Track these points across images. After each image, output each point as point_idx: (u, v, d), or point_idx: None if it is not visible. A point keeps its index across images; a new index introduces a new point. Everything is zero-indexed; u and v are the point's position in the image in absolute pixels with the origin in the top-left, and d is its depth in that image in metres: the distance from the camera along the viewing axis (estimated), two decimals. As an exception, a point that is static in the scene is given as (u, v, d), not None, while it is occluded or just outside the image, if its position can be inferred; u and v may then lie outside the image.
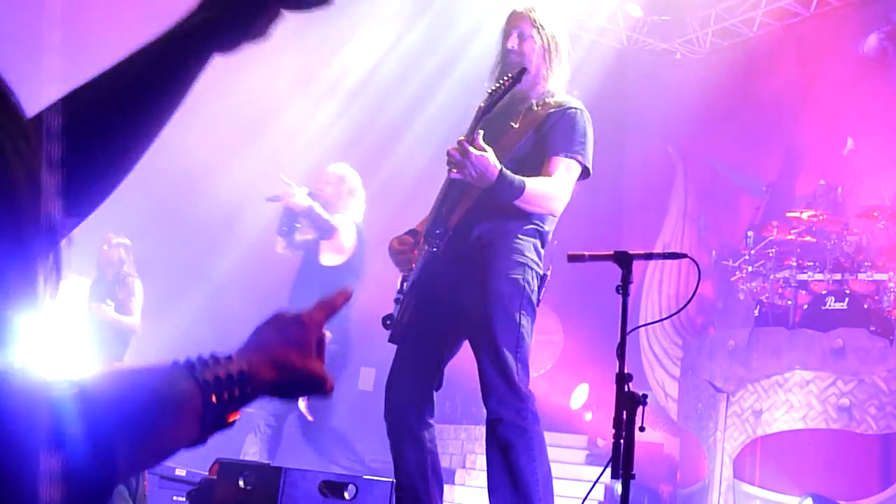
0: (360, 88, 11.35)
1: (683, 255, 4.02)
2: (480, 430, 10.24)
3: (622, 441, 3.68)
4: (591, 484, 3.98)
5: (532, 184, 4.38)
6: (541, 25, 4.67)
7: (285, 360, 1.44)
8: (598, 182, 12.88)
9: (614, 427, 3.71)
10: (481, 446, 10.03)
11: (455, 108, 8.75)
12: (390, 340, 4.60)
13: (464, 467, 10.27)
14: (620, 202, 13.38)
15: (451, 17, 11.44)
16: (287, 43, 10.18)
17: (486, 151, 4.24)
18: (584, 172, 4.65)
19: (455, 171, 4.29)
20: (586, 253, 3.96)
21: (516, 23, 4.71)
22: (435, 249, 4.46)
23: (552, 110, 4.57)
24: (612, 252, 3.87)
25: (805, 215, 9.80)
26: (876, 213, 9.42)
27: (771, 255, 9.92)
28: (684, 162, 12.60)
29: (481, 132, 4.26)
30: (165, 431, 1.23)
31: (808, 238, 9.80)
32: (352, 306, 8.53)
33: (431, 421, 4.63)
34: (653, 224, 12.35)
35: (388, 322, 4.56)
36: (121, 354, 8.37)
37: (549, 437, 9.42)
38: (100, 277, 8.56)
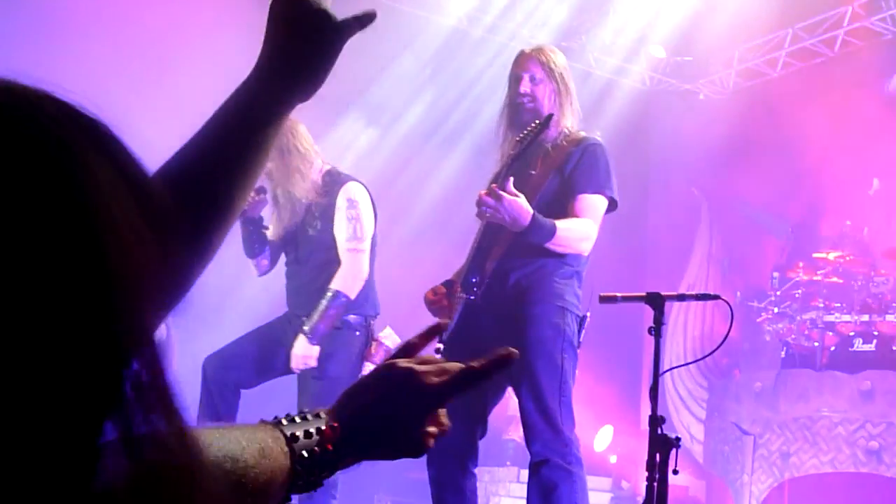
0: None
1: (716, 297, 3.98)
2: (504, 472, 10.18)
3: (655, 484, 3.62)
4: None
5: (562, 225, 4.37)
6: (551, 68, 4.66)
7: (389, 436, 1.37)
8: (622, 224, 12.83)
9: (647, 470, 3.66)
10: (504, 488, 10.03)
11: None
12: None
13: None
14: (644, 243, 13.30)
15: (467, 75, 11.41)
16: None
17: (518, 196, 4.22)
18: (612, 204, 4.62)
19: (488, 215, 4.25)
20: (619, 294, 3.92)
21: (527, 66, 4.71)
22: (472, 297, 4.43)
23: (572, 149, 4.56)
24: (644, 294, 3.83)
25: (832, 256, 9.73)
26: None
27: (797, 296, 9.84)
28: (709, 202, 12.54)
29: (511, 178, 4.24)
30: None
31: (834, 279, 9.72)
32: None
33: (475, 470, 4.59)
34: (677, 265, 12.28)
35: None
36: None
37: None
38: None
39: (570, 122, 4.70)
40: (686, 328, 11.84)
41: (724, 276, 12.09)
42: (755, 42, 12.17)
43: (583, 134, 4.69)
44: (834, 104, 11.52)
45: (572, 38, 11.83)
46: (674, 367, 3.32)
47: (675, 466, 3.64)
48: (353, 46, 1.67)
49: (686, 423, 11.19)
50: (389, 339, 5.46)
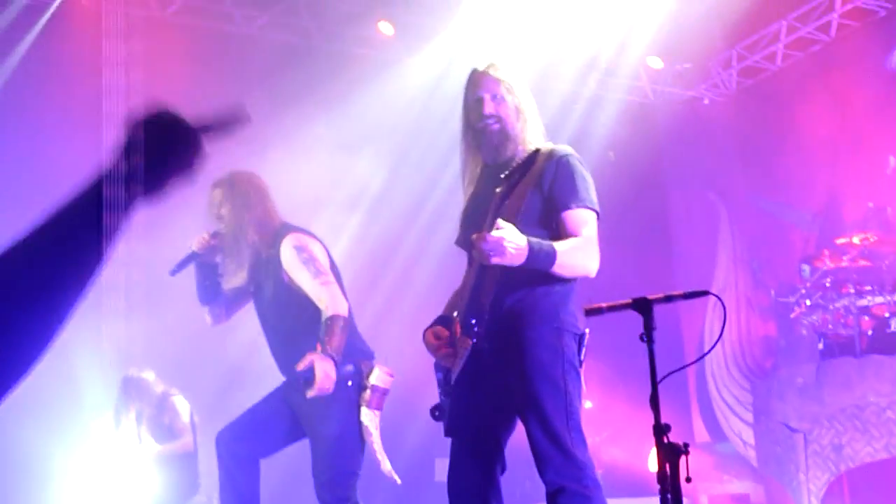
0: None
1: (705, 293, 3.87)
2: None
3: (669, 495, 3.52)
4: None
5: (562, 247, 4.24)
6: (510, 83, 4.54)
7: None
8: (645, 237, 12.80)
9: (659, 482, 3.55)
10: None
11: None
12: (446, 434, 4.47)
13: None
14: (669, 255, 13.23)
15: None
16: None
17: (507, 228, 4.11)
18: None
19: (490, 259, 4.10)
20: (603, 305, 3.83)
21: (486, 86, 4.54)
22: (475, 340, 4.33)
23: (545, 163, 4.42)
24: (630, 300, 3.74)
25: (856, 240, 9.60)
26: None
27: (827, 284, 9.68)
28: (727, 205, 12.43)
29: (498, 219, 4.13)
30: None
31: (862, 262, 9.58)
32: (414, 397, 8.39)
33: None
34: (705, 273, 12.14)
35: (437, 413, 4.42)
36: (192, 481, 8.11)
37: (627, 502, 9.23)
38: (137, 415, 8.22)
39: (535, 137, 4.57)
40: (724, 335, 11.68)
41: (756, 277, 11.95)
42: (751, 39, 12.10)
43: (551, 146, 4.54)
44: (838, 88, 11.43)
45: (566, 61, 11.79)
46: (670, 373, 3.23)
47: (688, 474, 3.52)
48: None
49: (737, 430, 11.01)
50: (381, 380, 5.37)
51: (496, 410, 4.41)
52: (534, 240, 4.13)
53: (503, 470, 4.48)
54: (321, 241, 5.57)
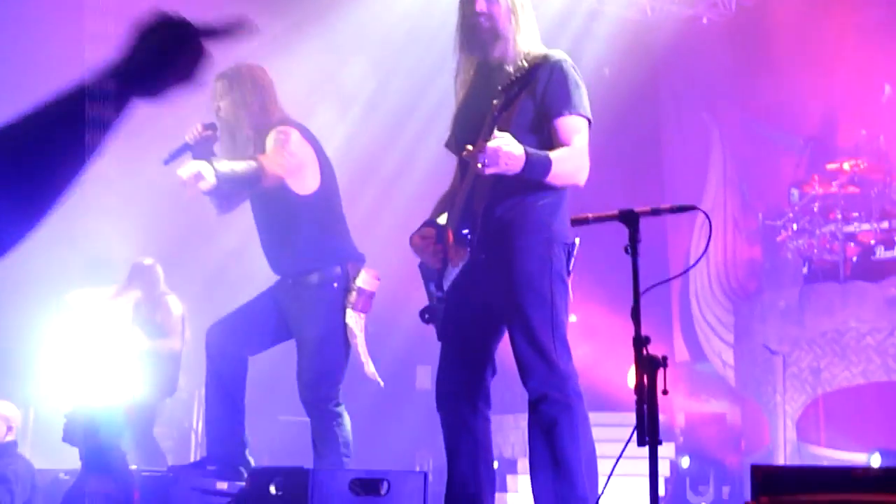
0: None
1: (692, 208, 3.88)
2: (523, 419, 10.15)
3: (645, 406, 3.55)
4: (619, 453, 3.83)
5: (556, 156, 4.22)
6: None
7: None
8: (637, 155, 12.76)
9: (636, 393, 3.58)
10: (520, 434, 9.99)
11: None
12: (439, 338, 4.49)
13: (525, 456, 10.14)
14: (660, 174, 13.24)
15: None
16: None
17: (504, 136, 4.08)
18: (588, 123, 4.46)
19: (487, 169, 4.08)
20: (590, 215, 3.83)
21: None
22: (469, 249, 4.32)
23: (538, 68, 4.37)
24: (616, 212, 3.74)
25: (846, 166, 9.60)
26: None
27: (815, 210, 9.70)
28: (720, 127, 12.40)
29: (496, 128, 4.10)
30: None
31: (851, 189, 9.58)
32: (397, 304, 8.41)
33: (488, 412, 4.50)
34: (695, 193, 12.14)
35: (427, 316, 4.42)
36: (172, 382, 8.16)
37: (606, 416, 9.31)
38: (137, 304, 8.32)
39: (529, 41, 4.52)
40: (709, 254, 11.72)
41: (744, 199, 11.97)
42: (753, -41, 11.99)
43: (545, 51, 4.48)
44: (837, 15, 11.34)
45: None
46: (652, 286, 3.24)
47: (665, 387, 3.55)
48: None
49: (717, 350, 11.11)
50: (367, 283, 5.38)
51: (486, 317, 4.43)
52: (530, 149, 4.12)
53: (493, 373, 4.51)
54: (312, 137, 5.52)
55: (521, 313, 4.25)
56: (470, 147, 4.11)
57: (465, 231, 4.31)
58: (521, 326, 4.26)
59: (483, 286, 4.39)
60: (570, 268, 4.39)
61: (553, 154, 4.21)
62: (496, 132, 4.06)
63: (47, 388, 8.60)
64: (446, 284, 4.37)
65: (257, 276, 5.81)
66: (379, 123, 11.22)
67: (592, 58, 11.84)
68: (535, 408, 4.27)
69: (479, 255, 4.33)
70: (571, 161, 4.29)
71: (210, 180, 4.93)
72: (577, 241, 4.40)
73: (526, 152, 4.08)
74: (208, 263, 9.91)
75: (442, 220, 4.48)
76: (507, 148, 4.02)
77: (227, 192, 5.52)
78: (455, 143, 4.51)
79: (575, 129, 4.35)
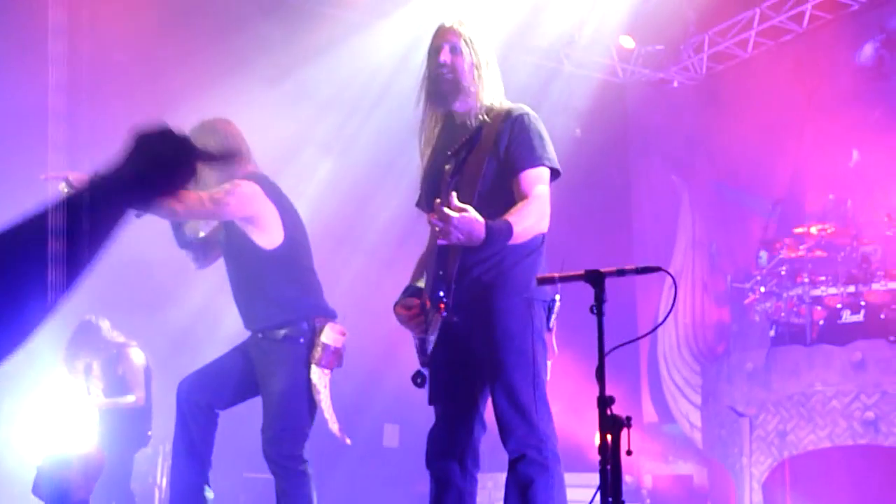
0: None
1: (657, 269, 3.88)
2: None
3: (609, 467, 3.54)
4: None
5: (516, 219, 4.19)
6: (471, 38, 4.51)
7: None
8: (607, 217, 12.81)
9: (599, 453, 3.57)
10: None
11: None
12: (429, 403, 4.48)
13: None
14: (629, 235, 13.30)
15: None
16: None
17: (466, 211, 4.03)
18: (554, 173, 4.46)
19: (442, 239, 4.08)
20: (556, 275, 3.84)
21: (447, 37, 4.51)
22: (444, 314, 4.31)
23: (501, 125, 4.38)
24: (583, 272, 3.75)
25: (814, 230, 9.67)
26: (886, 219, 9.30)
27: (783, 273, 9.77)
28: (689, 189, 12.50)
29: (454, 193, 4.06)
30: None
31: (818, 252, 9.66)
32: (368, 358, 8.36)
33: (475, 471, 4.48)
34: (664, 254, 12.22)
35: (419, 380, 4.39)
36: (141, 435, 8.03)
37: (575, 477, 9.27)
38: (86, 367, 8.09)
39: (492, 96, 4.52)
40: (677, 315, 11.77)
41: (713, 262, 12.04)
42: (724, 24, 12.13)
43: (508, 105, 4.50)
44: (808, 81, 11.51)
45: (539, 35, 11.80)
46: (617, 347, 3.25)
47: (629, 447, 3.54)
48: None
49: (685, 411, 11.12)
50: (331, 339, 5.34)
51: (472, 377, 4.42)
52: (489, 221, 4.07)
53: (483, 430, 4.50)
54: (277, 192, 5.43)
55: (503, 372, 4.23)
56: (429, 217, 4.08)
57: (441, 293, 4.29)
58: (502, 387, 4.24)
59: (465, 348, 4.38)
60: (551, 325, 4.39)
61: (513, 216, 4.17)
62: (454, 201, 3.99)
63: (13, 439, 8.49)
64: (429, 348, 4.37)
65: (227, 332, 5.79)
66: (362, 176, 11.21)
67: (564, 118, 11.95)
68: (512, 467, 4.26)
69: (454, 316, 4.31)
70: (532, 215, 4.27)
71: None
72: (558, 297, 4.40)
73: (486, 225, 4.03)
74: (177, 320, 9.85)
75: (421, 283, 4.49)
76: (464, 225, 3.98)
77: (202, 247, 5.52)
78: (425, 203, 4.52)
79: (537, 179, 4.35)
